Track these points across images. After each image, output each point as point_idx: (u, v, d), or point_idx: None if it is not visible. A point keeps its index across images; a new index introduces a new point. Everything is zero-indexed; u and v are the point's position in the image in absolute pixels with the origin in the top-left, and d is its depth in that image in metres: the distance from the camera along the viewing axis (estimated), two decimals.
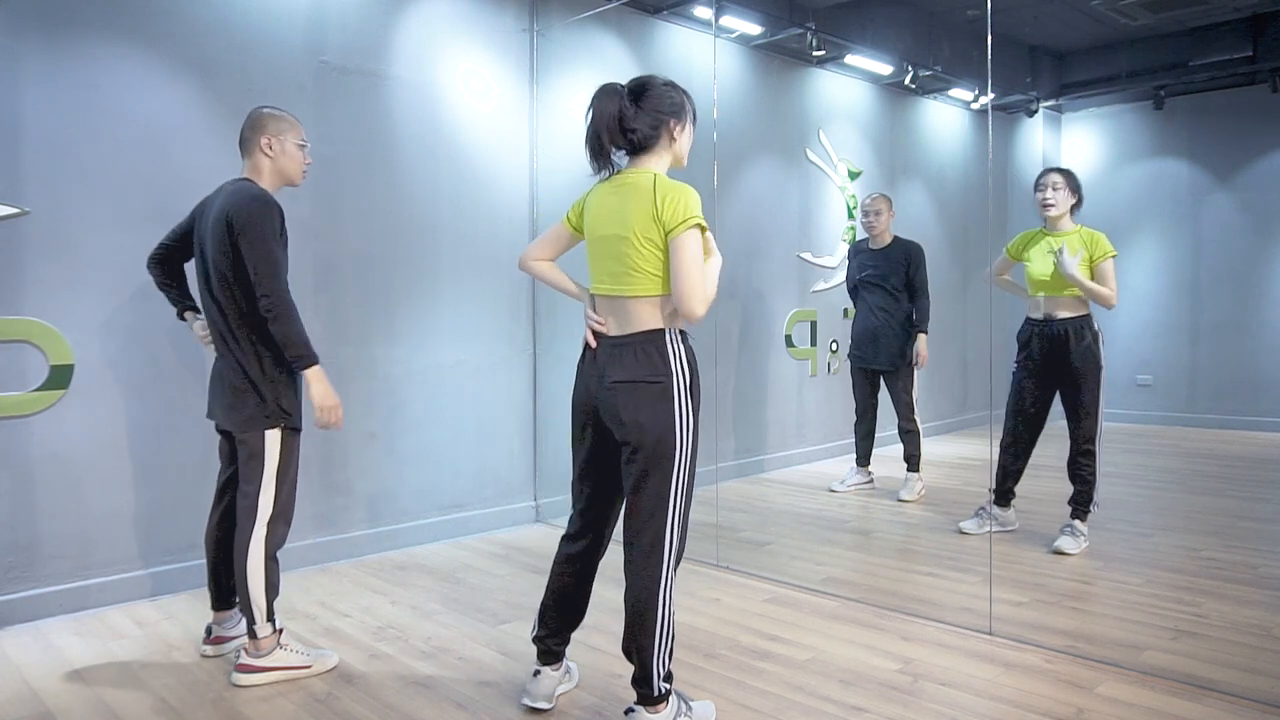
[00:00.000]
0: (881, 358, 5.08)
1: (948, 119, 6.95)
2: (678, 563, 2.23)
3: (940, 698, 2.51)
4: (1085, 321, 3.89)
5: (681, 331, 2.24)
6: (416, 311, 4.22)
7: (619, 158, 2.25)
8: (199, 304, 2.83)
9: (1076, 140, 6.77)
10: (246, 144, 2.72)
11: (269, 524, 2.64)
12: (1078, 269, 3.78)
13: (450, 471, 4.37)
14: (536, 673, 2.43)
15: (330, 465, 3.94)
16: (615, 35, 5.00)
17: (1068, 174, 3.96)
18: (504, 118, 4.58)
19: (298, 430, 2.71)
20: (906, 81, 6.30)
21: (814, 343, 6.14)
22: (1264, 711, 2.41)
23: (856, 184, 6.39)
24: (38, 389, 3.20)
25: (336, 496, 3.97)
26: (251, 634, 2.64)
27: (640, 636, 2.18)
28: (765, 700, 2.50)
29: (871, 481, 5.32)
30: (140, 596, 3.43)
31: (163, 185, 3.44)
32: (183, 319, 2.91)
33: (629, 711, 2.24)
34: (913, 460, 5.08)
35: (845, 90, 6.35)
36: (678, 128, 2.25)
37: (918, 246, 5.06)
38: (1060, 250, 3.82)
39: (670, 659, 2.23)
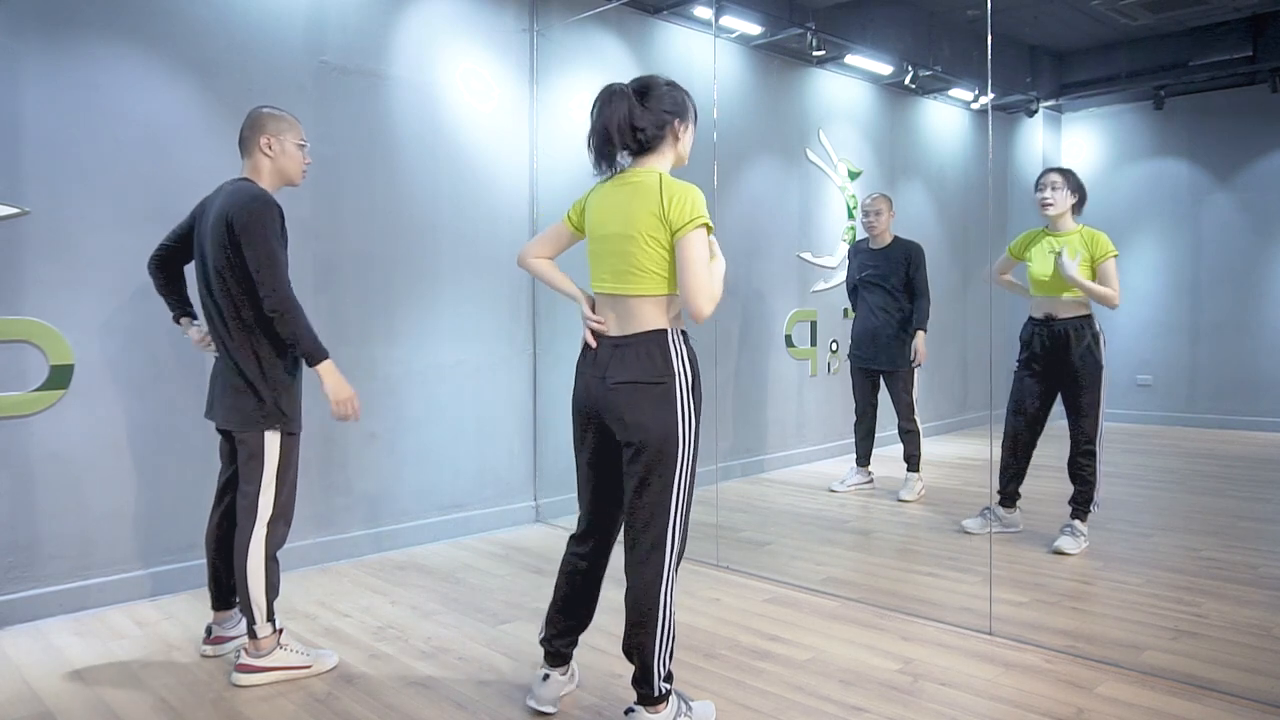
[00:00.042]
0: (881, 358, 5.08)
1: (948, 119, 6.95)
2: (679, 563, 2.23)
3: (940, 698, 2.51)
4: (1086, 322, 3.89)
5: (683, 331, 2.24)
6: (416, 311, 4.22)
7: (621, 158, 2.25)
8: (198, 307, 2.83)
9: (1076, 140, 6.78)
10: (246, 144, 2.72)
11: (269, 524, 2.64)
12: (1078, 271, 3.78)
13: (450, 471, 4.37)
14: (546, 676, 2.41)
15: (330, 465, 3.94)
16: (615, 35, 5.00)
17: (1067, 174, 3.96)
18: (504, 118, 4.58)
19: (298, 430, 2.71)
20: (906, 81, 6.30)
21: (814, 343, 6.14)
22: (1264, 711, 2.41)
23: (856, 184, 6.39)
24: (38, 389, 3.20)
25: (336, 496, 3.97)
26: (251, 634, 2.64)
27: (641, 636, 2.18)
28: (765, 700, 2.50)
29: (871, 481, 5.32)
30: (140, 596, 3.43)
31: (163, 185, 3.44)
32: (178, 323, 2.91)
33: (629, 711, 2.24)
34: (913, 460, 5.08)
35: (845, 90, 6.35)
36: (681, 127, 2.26)
37: (918, 246, 5.06)
38: (1060, 254, 3.83)
39: (671, 659, 2.23)
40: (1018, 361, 4.11)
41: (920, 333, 4.98)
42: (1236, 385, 5.83)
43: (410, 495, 4.22)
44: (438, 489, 4.32)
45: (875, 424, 5.28)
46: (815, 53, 5.82)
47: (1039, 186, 3.97)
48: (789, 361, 6.00)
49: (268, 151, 2.69)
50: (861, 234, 5.34)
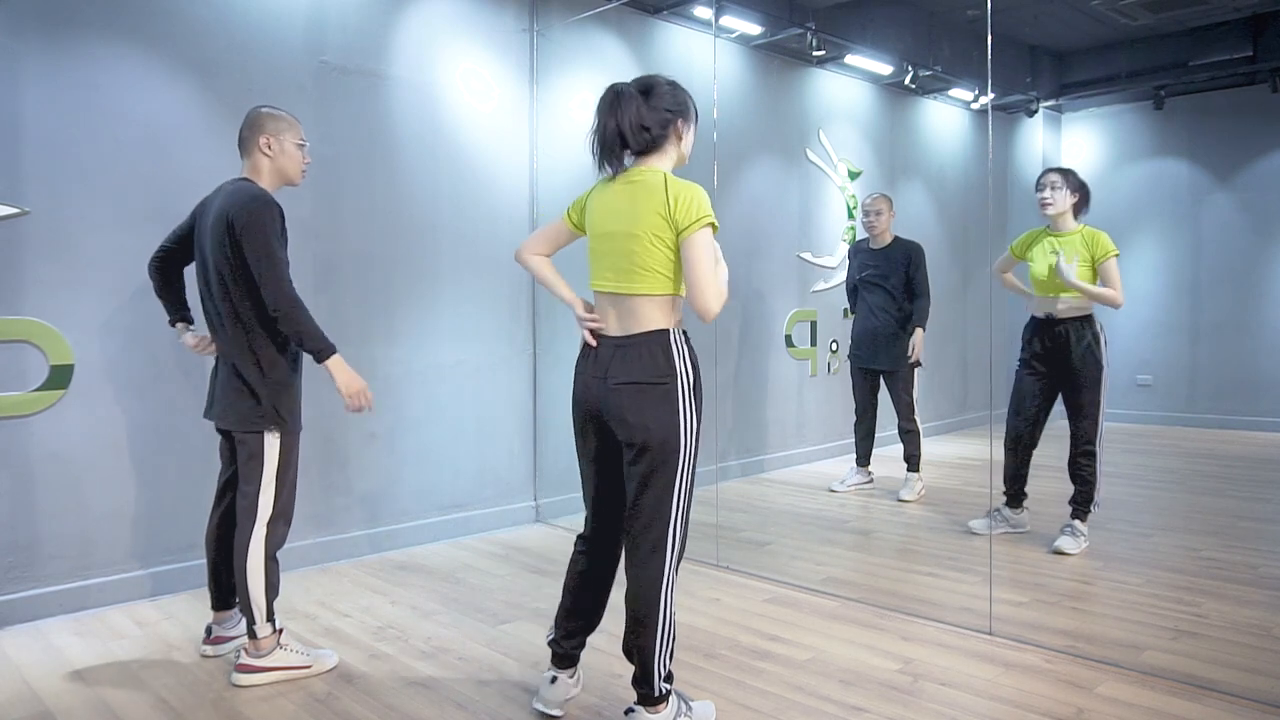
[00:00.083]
0: (881, 358, 5.08)
1: (948, 119, 6.95)
2: (679, 563, 2.23)
3: (940, 698, 2.51)
4: (1086, 321, 3.90)
5: (684, 331, 2.24)
6: (416, 311, 4.22)
7: (624, 157, 2.24)
8: (197, 309, 2.83)
9: (1076, 140, 6.77)
10: (245, 144, 2.72)
11: (269, 524, 2.64)
12: (1076, 277, 3.78)
13: (450, 471, 4.37)
14: (554, 679, 2.39)
15: (330, 465, 3.94)
16: (615, 35, 5.00)
17: (1067, 173, 3.97)
18: (504, 118, 4.58)
19: (297, 431, 2.71)
20: (906, 81, 6.30)
21: (814, 343, 6.14)
22: (1264, 711, 2.41)
23: (856, 184, 6.39)
24: (38, 389, 3.20)
25: (336, 496, 3.97)
26: (251, 634, 2.64)
27: (641, 637, 2.18)
28: (765, 700, 2.50)
29: (871, 481, 5.32)
30: (140, 596, 3.43)
31: (163, 185, 3.44)
32: (173, 327, 2.91)
33: (629, 711, 2.24)
34: (913, 460, 5.08)
35: (845, 90, 6.35)
36: (684, 127, 2.26)
37: (918, 246, 5.06)
38: (1057, 261, 3.83)
39: (671, 659, 2.23)
40: (1019, 360, 4.12)
41: (919, 330, 4.98)
42: (1236, 385, 5.83)
43: (410, 495, 4.22)
44: (438, 489, 4.32)
45: (875, 424, 5.28)
46: (815, 53, 5.82)
47: (1039, 186, 3.98)
48: (789, 361, 6.00)
49: (267, 151, 2.69)
50: (861, 234, 5.34)
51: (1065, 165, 4.45)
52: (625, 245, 2.17)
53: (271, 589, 2.65)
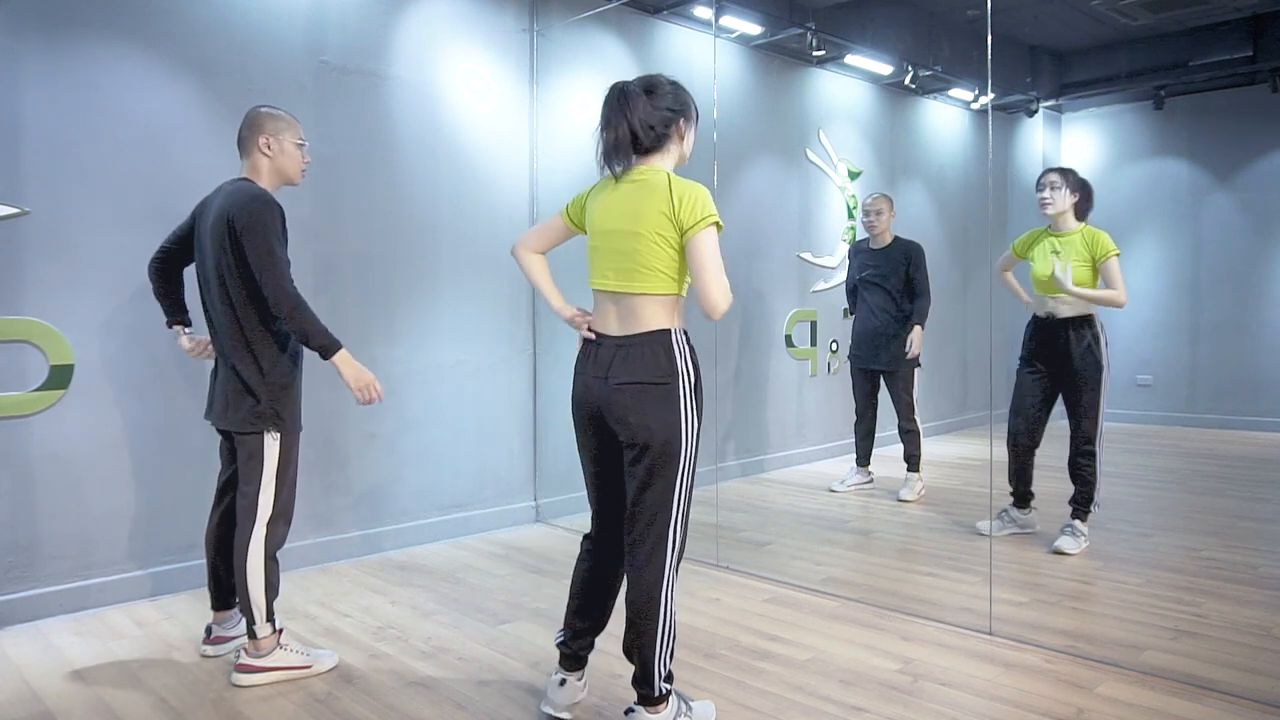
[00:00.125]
0: (881, 358, 5.08)
1: (948, 119, 6.95)
2: (679, 563, 2.23)
3: (940, 698, 2.51)
4: (1087, 322, 3.90)
5: (685, 331, 2.24)
6: (416, 311, 4.22)
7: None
8: (196, 310, 2.83)
9: (1076, 140, 6.77)
10: (244, 144, 2.72)
11: (269, 524, 2.64)
12: (1073, 283, 3.79)
13: (450, 471, 4.37)
14: (563, 681, 2.38)
15: (330, 465, 3.94)
16: (615, 35, 5.00)
17: (1066, 173, 3.97)
18: (504, 118, 4.58)
19: (297, 431, 2.71)
20: (906, 81, 6.30)
21: (814, 343, 6.14)
22: (1264, 711, 2.41)
23: (856, 184, 6.39)
24: (38, 389, 3.20)
25: (336, 496, 3.97)
26: (251, 634, 2.64)
27: (642, 637, 2.18)
28: (765, 700, 2.50)
29: (871, 481, 5.33)
30: (140, 596, 3.43)
31: (163, 185, 3.44)
32: (170, 329, 2.91)
33: (629, 711, 2.24)
34: (913, 460, 5.08)
35: (845, 90, 6.35)
36: (686, 126, 2.26)
37: (918, 246, 5.07)
38: (1054, 270, 3.83)
39: (671, 659, 2.22)
40: (1019, 360, 4.12)
41: (917, 327, 4.98)
42: (1236, 385, 5.82)
43: (410, 495, 4.22)
44: (438, 489, 4.32)
45: (875, 424, 5.28)
46: (815, 53, 5.82)
47: (1039, 186, 3.98)
48: (789, 361, 6.00)
49: (266, 151, 2.69)
50: (861, 234, 5.34)
51: (1065, 165, 4.45)
52: (628, 245, 2.16)
53: (271, 589, 2.65)
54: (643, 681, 2.20)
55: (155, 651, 2.91)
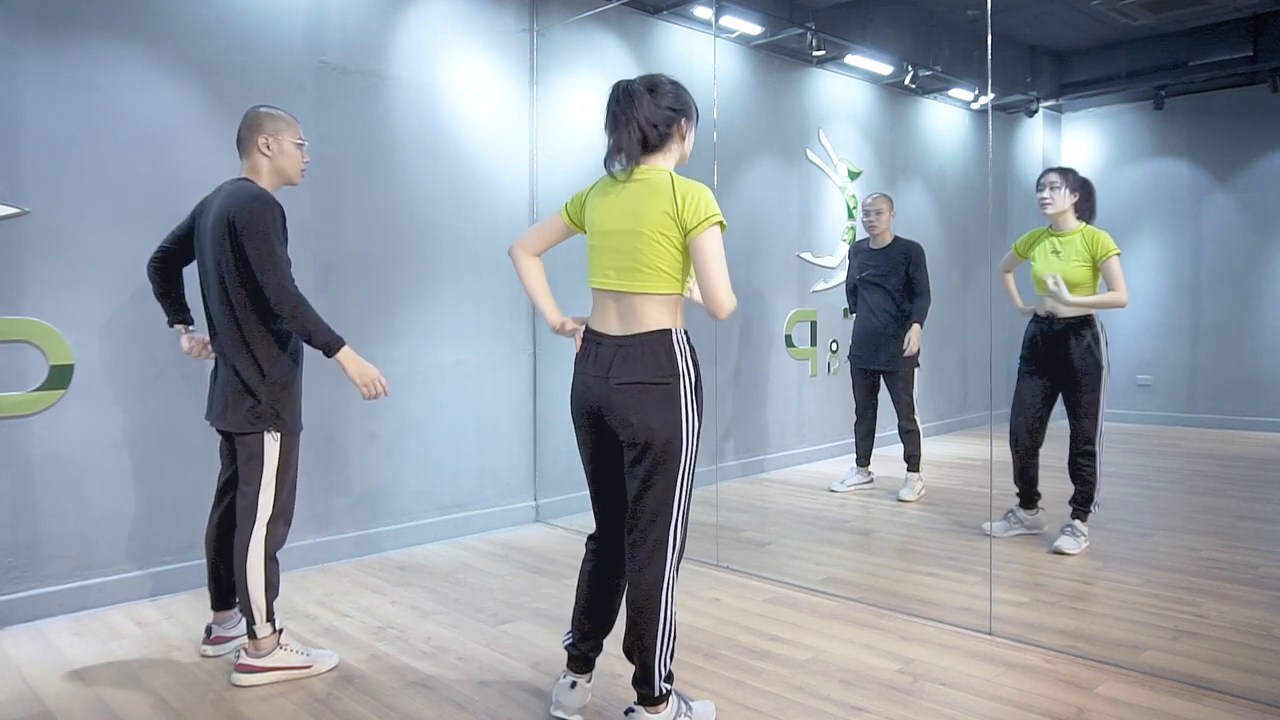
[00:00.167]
0: (881, 358, 5.08)
1: (948, 119, 6.95)
2: (679, 563, 2.22)
3: (940, 698, 2.51)
4: (1087, 321, 3.89)
5: (685, 331, 2.23)
6: (416, 311, 4.22)
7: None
8: (197, 310, 2.83)
9: (1076, 140, 6.77)
10: (244, 144, 2.72)
11: (269, 524, 2.64)
12: (1067, 290, 3.79)
13: (450, 471, 4.37)
14: (573, 684, 2.37)
15: (330, 465, 3.94)
16: (615, 35, 5.00)
17: (1066, 173, 3.97)
18: (504, 118, 4.58)
19: (297, 431, 2.71)
20: (906, 81, 6.30)
21: (814, 343, 6.14)
22: (1264, 711, 2.41)
23: (856, 184, 6.39)
24: (38, 389, 3.20)
25: (336, 496, 3.97)
26: (251, 634, 2.64)
27: (642, 636, 2.18)
28: (765, 700, 2.50)
29: (871, 481, 5.32)
30: (140, 596, 3.43)
31: (163, 185, 3.44)
32: (172, 328, 2.91)
33: (629, 711, 2.24)
34: (913, 460, 5.08)
35: (845, 90, 6.35)
36: (687, 126, 2.26)
37: (918, 246, 5.07)
38: (1049, 284, 3.84)
39: (671, 659, 2.22)
40: (1019, 360, 4.12)
41: (916, 325, 4.98)
42: (1236, 385, 5.82)
43: (410, 495, 4.22)
44: (438, 489, 4.32)
45: (875, 424, 5.28)
46: (815, 53, 5.82)
47: (1039, 186, 3.99)
48: (789, 361, 6.00)
49: (266, 151, 2.69)
50: (861, 234, 5.34)
51: (1065, 165, 4.45)
52: (630, 244, 2.15)
53: (271, 589, 2.65)
54: (643, 681, 2.20)
55: (155, 651, 2.91)
